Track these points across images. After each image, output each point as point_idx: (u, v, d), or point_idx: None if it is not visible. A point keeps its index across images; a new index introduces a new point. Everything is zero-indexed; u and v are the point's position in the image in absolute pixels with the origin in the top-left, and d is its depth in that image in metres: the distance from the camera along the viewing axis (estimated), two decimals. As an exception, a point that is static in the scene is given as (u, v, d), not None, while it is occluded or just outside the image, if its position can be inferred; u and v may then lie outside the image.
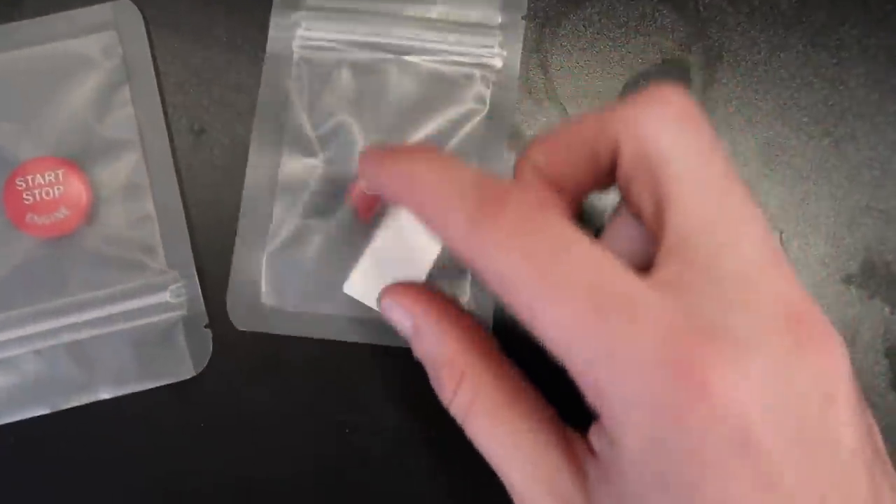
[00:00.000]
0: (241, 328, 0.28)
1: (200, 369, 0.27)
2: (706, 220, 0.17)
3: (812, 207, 0.29)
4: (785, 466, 0.15)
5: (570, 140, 0.20)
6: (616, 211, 0.22)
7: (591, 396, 0.17)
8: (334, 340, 0.28)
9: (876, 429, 0.19)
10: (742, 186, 0.18)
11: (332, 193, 0.28)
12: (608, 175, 0.20)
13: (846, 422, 0.16)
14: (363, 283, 0.26)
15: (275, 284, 0.28)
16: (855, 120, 0.30)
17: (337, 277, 0.27)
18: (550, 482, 0.19)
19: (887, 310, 0.29)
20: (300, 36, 0.28)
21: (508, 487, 0.20)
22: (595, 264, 0.17)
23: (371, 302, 0.26)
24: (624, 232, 0.21)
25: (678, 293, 0.17)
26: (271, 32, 0.28)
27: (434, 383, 0.22)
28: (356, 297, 0.26)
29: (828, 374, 0.16)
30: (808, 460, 0.16)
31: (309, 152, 0.28)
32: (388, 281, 0.25)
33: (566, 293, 0.17)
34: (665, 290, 0.17)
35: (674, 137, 0.18)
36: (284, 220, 0.28)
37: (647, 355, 0.16)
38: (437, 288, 0.23)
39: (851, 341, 0.29)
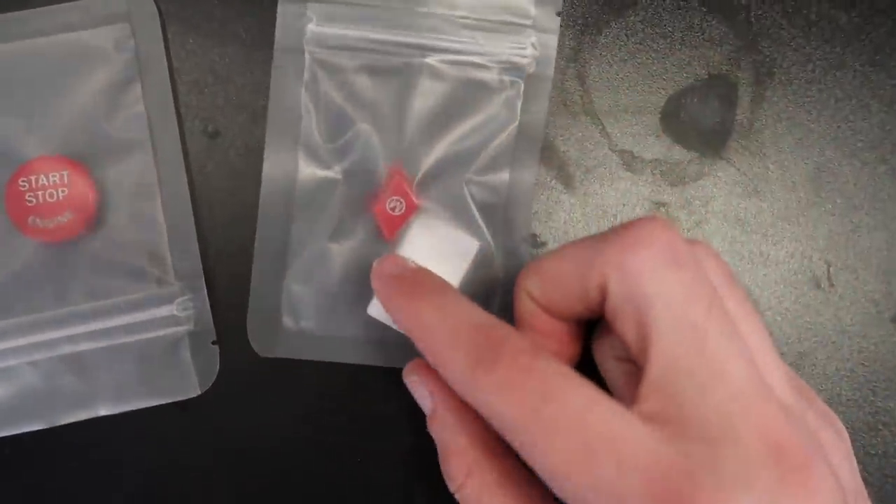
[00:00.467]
0: (264, 356, 0.26)
1: (206, 387, 0.26)
2: (687, 362, 0.18)
3: (864, 240, 0.28)
4: None
5: (561, 273, 0.22)
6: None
7: None
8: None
9: None
10: (725, 322, 0.19)
11: (352, 210, 0.26)
12: (599, 306, 0.21)
13: None
14: None
15: (295, 310, 0.26)
16: (913, 147, 0.28)
17: (359, 299, 0.26)
18: None
19: (939, 352, 0.27)
20: (311, 32, 0.26)
21: None
22: (583, 406, 0.18)
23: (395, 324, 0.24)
24: (613, 341, 0.22)
25: (662, 429, 0.18)
26: (278, 33, 0.26)
27: (442, 465, 0.22)
28: (380, 319, 0.24)
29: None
30: None
31: (325, 164, 0.26)
32: None
33: (556, 435, 0.18)
34: (650, 426, 0.18)
35: (658, 280, 0.19)
36: (304, 242, 0.26)
37: (634, 496, 0.17)
38: None
39: (899, 385, 0.27)
